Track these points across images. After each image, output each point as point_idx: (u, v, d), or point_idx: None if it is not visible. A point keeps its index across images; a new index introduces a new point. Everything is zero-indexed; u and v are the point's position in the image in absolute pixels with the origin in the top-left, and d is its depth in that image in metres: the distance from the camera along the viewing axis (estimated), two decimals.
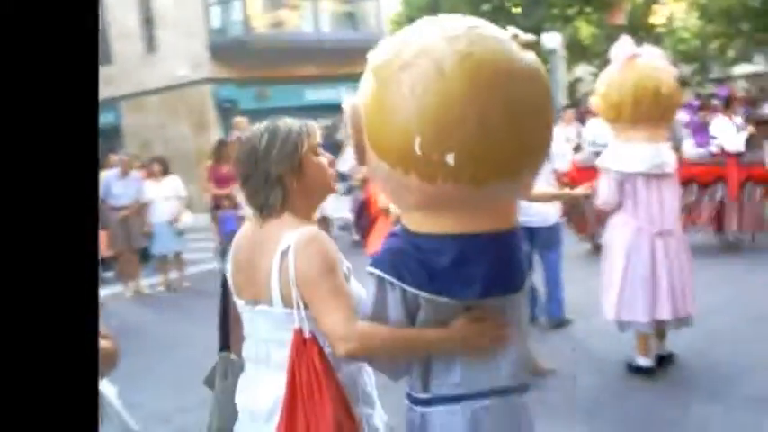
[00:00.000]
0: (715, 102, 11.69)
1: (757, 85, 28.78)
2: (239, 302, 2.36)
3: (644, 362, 5.38)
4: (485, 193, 2.05)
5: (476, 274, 2.12)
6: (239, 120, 13.10)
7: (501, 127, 1.96)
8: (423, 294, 2.12)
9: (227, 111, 20.62)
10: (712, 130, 9.53)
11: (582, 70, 28.64)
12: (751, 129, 9.44)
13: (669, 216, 5.19)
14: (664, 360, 5.50)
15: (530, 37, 2.10)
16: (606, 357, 5.72)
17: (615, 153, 5.27)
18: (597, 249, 10.14)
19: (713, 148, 9.60)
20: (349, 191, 11.67)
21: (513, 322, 2.26)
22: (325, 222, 9.90)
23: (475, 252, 2.12)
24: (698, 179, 9.41)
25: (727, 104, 10.08)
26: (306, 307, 2.16)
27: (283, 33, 22.78)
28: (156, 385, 6.17)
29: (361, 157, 2.20)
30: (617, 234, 5.31)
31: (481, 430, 2.18)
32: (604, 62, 5.51)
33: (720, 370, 5.36)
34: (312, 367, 2.12)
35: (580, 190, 5.55)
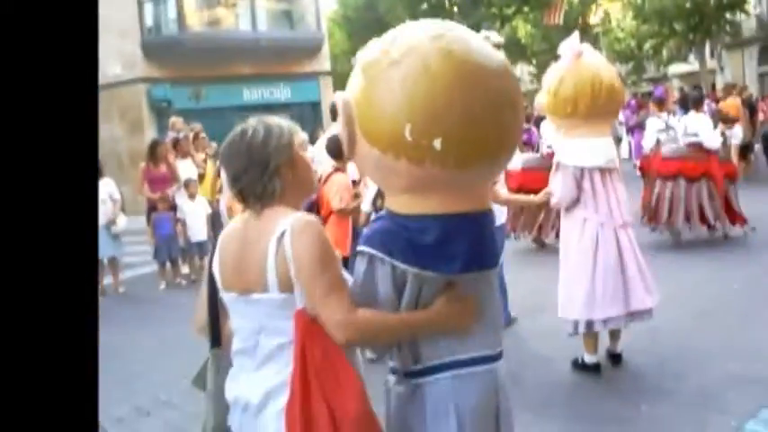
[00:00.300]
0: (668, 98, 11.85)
1: (691, 83, 29.42)
2: (228, 296, 2.40)
3: (590, 359, 5.31)
4: (467, 175, 2.31)
5: (457, 251, 2.32)
6: (175, 120, 12.79)
7: (483, 115, 2.22)
8: (410, 269, 2.31)
9: (161, 111, 20.18)
10: (691, 126, 9.56)
11: (520, 70, 28.89)
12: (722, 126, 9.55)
13: (624, 208, 5.20)
14: (615, 358, 5.45)
15: (499, 39, 2.44)
16: (553, 355, 5.62)
17: (571, 149, 5.20)
18: (542, 246, 10.31)
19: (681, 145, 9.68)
20: None
21: (488, 296, 2.50)
22: None
23: (456, 231, 2.33)
24: (684, 174, 9.44)
25: (683, 103, 10.16)
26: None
27: (219, 32, 22.40)
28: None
29: (351, 149, 2.38)
30: (578, 231, 5.21)
31: (468, 395, 2.39)
32: (542, 61, 5.47)
33: (668, 366, 5.35)
34: (327, 343, 2.20)
35: (541, 196, 5.55)
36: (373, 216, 5.28)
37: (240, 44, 21.63)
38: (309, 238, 2.23)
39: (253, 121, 2.39)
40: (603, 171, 5.13)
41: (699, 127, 9.47)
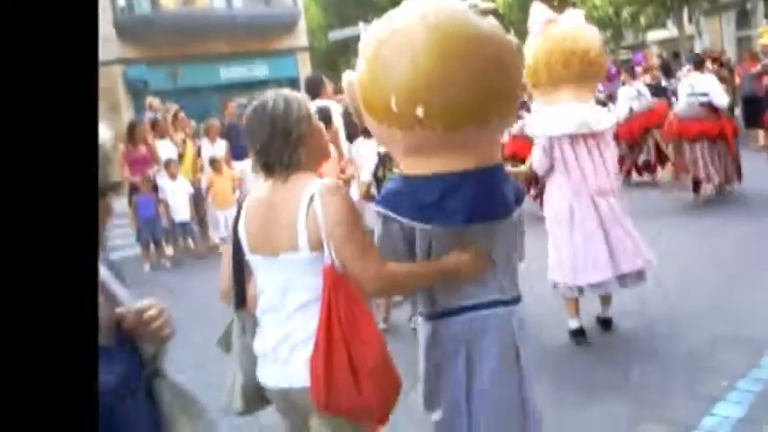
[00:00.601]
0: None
1: (670, 50, 29.44)
2: (256, 258, 2.55)
3: (572, 323, 5.30)
4: (458, 136, 2.53)
5: (458, 206, 2.57)
6: (152, 100, 12.64)
7: (466, 82, 2.44)
8: (416, 225, 2.61)
9: (138, 92, 19.94)
10: (698, 86, 9.54)
11: None
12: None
13: (602, 175, 5.08)
14: (605, 323, 5.46)
15: (486, 5, 2.58)
16: (545, 323, 5.57)
17: (541, 118, 5.19)
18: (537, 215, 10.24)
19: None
20: None
21: (500, 246, 2.74)
22: None
23: (457, 187, 2.58)
24: (705, 134, 9.46)
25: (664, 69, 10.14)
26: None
27: (194, 10, 22.12)
28: None
29: (361, 121, 2.81)
30: (555, 200, 5.19)
31: (478, 337, 2.69)
32: (520, 31, 5.40)
33: (657, 329, 5.36)
34: (351, 297, 2.37)
35: (526, 166, 5.48)
36: (374, 186, 5.53)
37: (215, 22, 21.42)
38: (338, 200, 2.40)
39: (271, 94, 2.53)
40: (576, 138, 5.01)
41: (708, 86, 9.46)
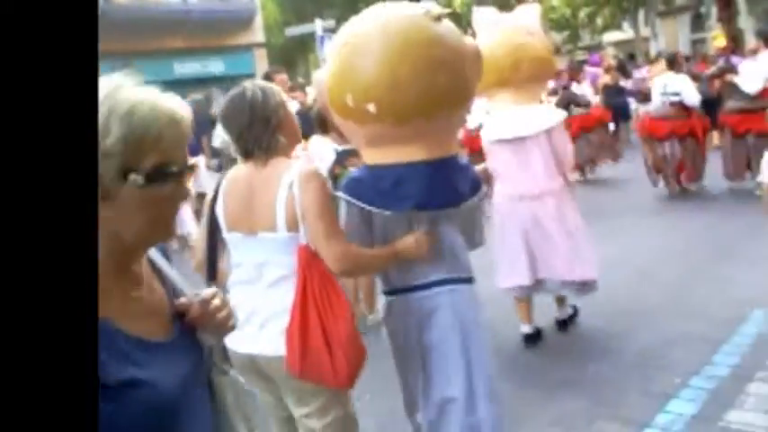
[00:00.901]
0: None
1: (626, 51, 29.78)
2: (234, 236, 2.76)
3: (523, 329, 5.25)
4: (408, 130, 2.82)
5: (409, 193, 2.88)
6: None
7: (412, 81, 2.73)
8: (373, 209, 2.92)
9: None
10: (671, 86, 9.70)
11: None
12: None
13: (533, 179, 4.93)
14: (561, 324, 5.42)
15: (437, 11, 2.83)
16: (498, 321, 5.48)
17: (485, 122, 5.20)
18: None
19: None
20: (220, 167, 11.15)
21: (450, 231, 3.01)
22: (201, 198, 9.34)
23: (409, 176, 2.88)
24: (676, 133, 9.71)
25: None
26: None
27: (147, 4, 21.74)
28: None
29: (332, 118, 3.12)
30: (496, 203, 5.11)
31: (432, 311, 2.99)
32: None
33: (613, 327, 5.35)
34: (324, 274, 2.63)
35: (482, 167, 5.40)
36: (330, 183, 5.32)
37: (170, 16, 21.08)
38: (315, 186, 2.61)
39: (247, 84, 2.74)
40: (506, 142, 4.92)
41: (680, 86, 9.62)
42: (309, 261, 2.63)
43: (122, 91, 1.43)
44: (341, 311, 2.62)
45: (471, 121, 9.26)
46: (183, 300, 1.62)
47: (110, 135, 1.36)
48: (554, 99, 11.19)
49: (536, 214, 4.96)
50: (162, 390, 1.40)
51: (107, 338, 1.33)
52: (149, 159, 1.38)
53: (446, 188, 2.95)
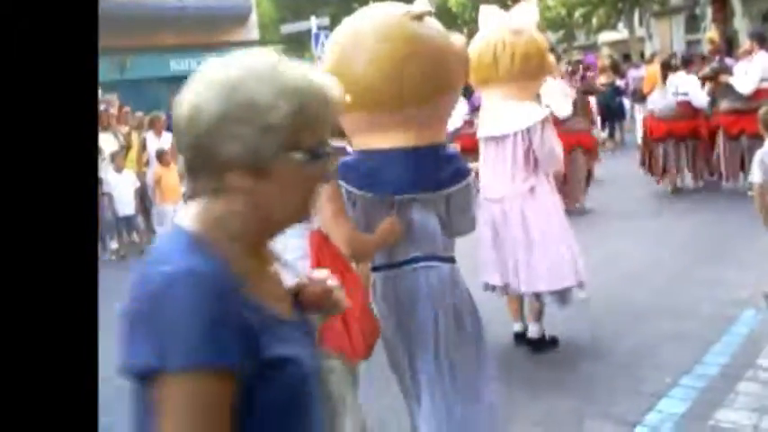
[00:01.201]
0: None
1: (621, 51, 29.83)
2: None
3: (516, 327, 5.25)
4: (383, 119, 3.02)
5: (388, 178, 3.04)
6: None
7: (379, 74, 2.93)
8: (356, 191, 3.07)
9: None
10: (682, 86, 9.82)
11: None
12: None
13: (500, 181, 4.84)
14: (532, 344, 5.15)
15: (417, 12, 2.97)
16: (487, 319, 5.51)
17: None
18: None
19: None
20: None
21: (428, 215, 3.10)
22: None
23: (388, 162, 3.05)
24: (674, 134, 9.91)
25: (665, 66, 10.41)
26: None
27: (143, 0, 21.74)
28: None
29: None
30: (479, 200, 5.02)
31: (391, 291, 3.12)
32: (473, 30, 5.31)
33: (603, 328, 5.36)
34: (335, 255, 2.82)
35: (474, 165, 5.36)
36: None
37: (166, 13, 21.06)
38: None
39: None
40: (491, 140, 4.88)
41: (688, 87, 9.72)
42: (321, 243, 2.82)
43: (287, 67, 1.41)
44: (355, 288, 2.73)
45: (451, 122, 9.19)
46: (298, 279, 1.61)
47: (277, 110, 1.32)
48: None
49: (499, 218, 4.86)
50: (305, 367, 1.39)
51: (257, 314, 1.32)
52: (310, 138, 1.37)
53: (425, 175, 3.06)
